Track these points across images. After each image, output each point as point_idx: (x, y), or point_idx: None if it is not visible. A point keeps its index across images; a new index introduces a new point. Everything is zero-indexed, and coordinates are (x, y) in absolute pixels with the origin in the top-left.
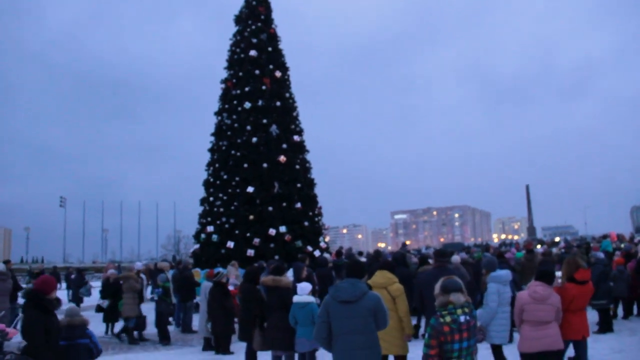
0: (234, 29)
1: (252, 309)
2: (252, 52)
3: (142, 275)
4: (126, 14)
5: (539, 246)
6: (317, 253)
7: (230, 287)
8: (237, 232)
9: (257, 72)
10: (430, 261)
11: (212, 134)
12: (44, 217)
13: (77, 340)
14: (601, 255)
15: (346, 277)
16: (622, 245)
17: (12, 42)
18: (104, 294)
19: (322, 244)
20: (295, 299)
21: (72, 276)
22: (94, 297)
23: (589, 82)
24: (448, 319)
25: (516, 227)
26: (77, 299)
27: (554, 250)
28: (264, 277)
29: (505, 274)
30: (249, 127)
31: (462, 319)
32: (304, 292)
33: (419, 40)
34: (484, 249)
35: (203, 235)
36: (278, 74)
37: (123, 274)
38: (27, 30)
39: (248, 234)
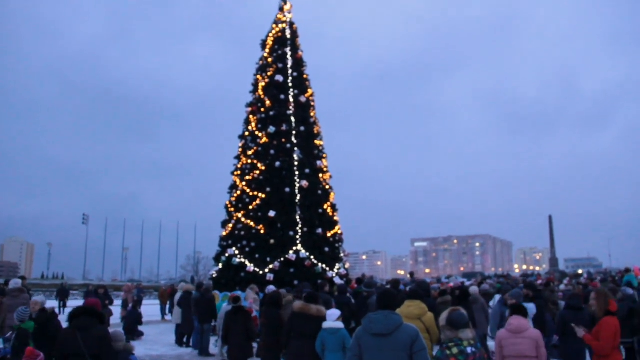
0: (251, 50)
1: (276, 334)
2: (278, 77)
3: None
4: (144, 34)
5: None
6: (337, 280)
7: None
8: (257, 255)
9: (282, 96)
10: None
11: (236, 157)
12: (66, 233)
13: None
14: (630, 291)
15: (379, 308)
16: None
17: (32, 58)
18: None
19: (342, 271)
20: (326, 324)
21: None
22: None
23: (611, 109)
24: (455, 350)
25: (538, 257)
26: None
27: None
28: (301, 304)
29: (530, 307)
30: (272, 151)
31: (469, 350)
32: (333, 319)
33: (438, 65)
34: (504, 278)
35: (223, 258)
36: (303, 99)
37: None
38: (47, 47)
39: (268, 258)
